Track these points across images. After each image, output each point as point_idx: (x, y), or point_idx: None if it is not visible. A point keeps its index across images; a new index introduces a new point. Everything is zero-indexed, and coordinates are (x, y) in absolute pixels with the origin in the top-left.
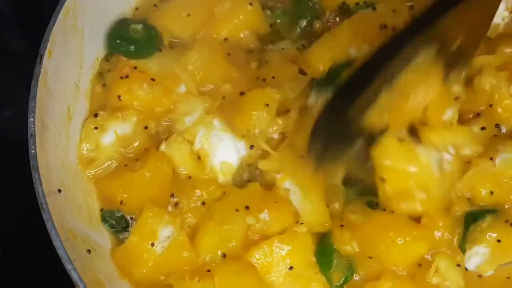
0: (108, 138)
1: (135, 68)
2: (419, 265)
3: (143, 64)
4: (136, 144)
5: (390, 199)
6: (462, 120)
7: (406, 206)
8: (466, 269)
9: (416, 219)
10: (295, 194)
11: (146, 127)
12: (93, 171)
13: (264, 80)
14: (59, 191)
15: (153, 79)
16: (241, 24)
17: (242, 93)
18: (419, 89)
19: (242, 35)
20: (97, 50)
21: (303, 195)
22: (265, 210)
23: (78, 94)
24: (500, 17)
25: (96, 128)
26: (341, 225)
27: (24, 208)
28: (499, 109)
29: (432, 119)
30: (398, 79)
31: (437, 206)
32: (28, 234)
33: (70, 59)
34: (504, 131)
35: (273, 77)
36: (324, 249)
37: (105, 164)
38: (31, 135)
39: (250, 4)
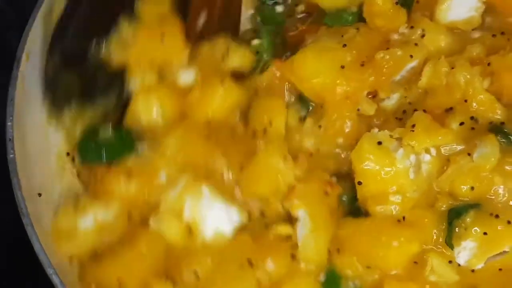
0: (87, 222)
1: (109, 167)
2: (415, 263)
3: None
4: (117, 228)
5: (368, 202)
6: (433, 115)
7: (381, 209)
8: (459, 264)
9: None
10: (304, 226)
11: (129, 216)
12: (72, 251)
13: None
14: (39, 195)
15: (129, 174)
16: (218, 106)
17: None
18: None
19: (221, 114)
20: None
21: (312, 230)
22: (268, 258)
23: None
24: (473, 9)
25: (74, 208)
26: (337, 249)
27: None
28: (474, 104)
29: None
30: None
31: (411, 207)
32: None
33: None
34: (480, 125)
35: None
36: (330, 281)
37: (85, 246)
38: (10, 139)
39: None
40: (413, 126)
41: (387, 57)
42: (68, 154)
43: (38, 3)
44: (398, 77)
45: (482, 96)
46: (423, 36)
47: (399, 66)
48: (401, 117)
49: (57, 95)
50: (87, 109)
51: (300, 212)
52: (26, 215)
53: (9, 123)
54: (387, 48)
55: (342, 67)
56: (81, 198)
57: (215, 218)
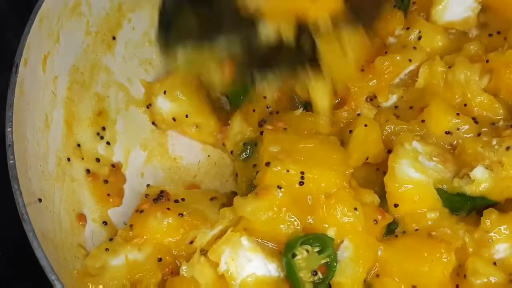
0: (117, 261)
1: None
2: (457, 274)
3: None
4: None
5: (404, 221)
6: None
7: (418, 226)
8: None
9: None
10: (346, 250)
11: (160, 259)
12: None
13: None
14: (40, 200)
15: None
16: None
17: None
18: None
19: None
20: (73, 58)
21: (352, 258)
22: None
23: (56, 102)
24: (470, 9)
25: (107, 249)
26: (377, 275)
27: None
28: (476, 109)
29: None
30: None
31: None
32: None
33: (46, 68)
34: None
35: None
36: None
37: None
38: (9, 145)
39: None
40: None
41: (387, 63)
42: (68, 159)
43: (35, 7)
44: (397, 81)
45: (481, 98)
46: (419, 38)
47: (398, 71)
48: (398, 115)
49: (172, 33)
50: (203, 51)
51: (345, 242)
52: (27, 221)
53: (8, 129)
54: (386, 53)
55: None
56: (115, 240)
57: (253, 271)
